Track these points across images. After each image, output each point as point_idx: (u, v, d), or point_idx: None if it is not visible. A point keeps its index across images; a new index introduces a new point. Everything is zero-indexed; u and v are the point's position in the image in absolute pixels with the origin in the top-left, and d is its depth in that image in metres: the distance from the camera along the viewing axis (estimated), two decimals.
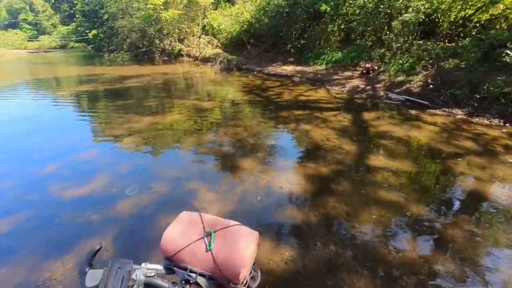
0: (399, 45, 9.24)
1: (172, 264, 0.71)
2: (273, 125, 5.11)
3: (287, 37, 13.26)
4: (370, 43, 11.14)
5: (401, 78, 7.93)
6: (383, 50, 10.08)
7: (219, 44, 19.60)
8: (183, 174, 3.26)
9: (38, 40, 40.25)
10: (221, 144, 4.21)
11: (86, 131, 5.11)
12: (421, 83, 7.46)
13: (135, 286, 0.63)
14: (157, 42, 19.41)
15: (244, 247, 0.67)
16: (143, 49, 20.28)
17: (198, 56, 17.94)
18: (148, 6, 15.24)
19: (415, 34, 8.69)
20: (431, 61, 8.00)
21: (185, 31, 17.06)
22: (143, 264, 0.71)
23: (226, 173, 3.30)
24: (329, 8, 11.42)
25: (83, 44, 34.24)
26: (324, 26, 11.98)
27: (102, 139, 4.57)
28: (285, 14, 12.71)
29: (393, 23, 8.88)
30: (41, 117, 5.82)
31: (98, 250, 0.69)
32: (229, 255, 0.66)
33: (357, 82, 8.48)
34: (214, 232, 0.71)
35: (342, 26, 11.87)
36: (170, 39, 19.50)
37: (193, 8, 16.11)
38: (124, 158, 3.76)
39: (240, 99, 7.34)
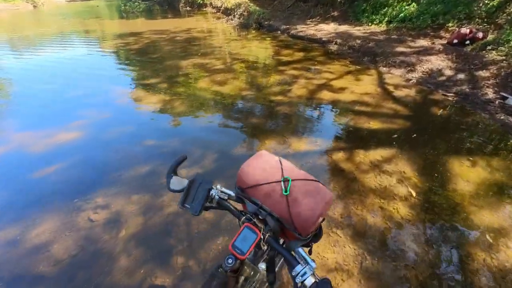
0: None
1: (244, 195, 0.72)
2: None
3: None
4: None
5: None
6: (497, 0, 5.72)
7: None
8: None
9: None
10: None
11: None
12: None
13: (209, 202, 0.71)
14: None
15: (319, 205, 0.65)
16: None
17: (220, 7, 14.56)
18: None
19: None
20: None
21: None
22: (218, 186, 0.74)
23: None
24: None
25: None
26: None
27: None
28: None
29: None
30: None
31: (183, 159, 0.78)
32: (304, 207, 0.64)
33: (439, 62, 4.79)
34: (292, 180, 0.68)
35: None
36: None
37: None
38: None
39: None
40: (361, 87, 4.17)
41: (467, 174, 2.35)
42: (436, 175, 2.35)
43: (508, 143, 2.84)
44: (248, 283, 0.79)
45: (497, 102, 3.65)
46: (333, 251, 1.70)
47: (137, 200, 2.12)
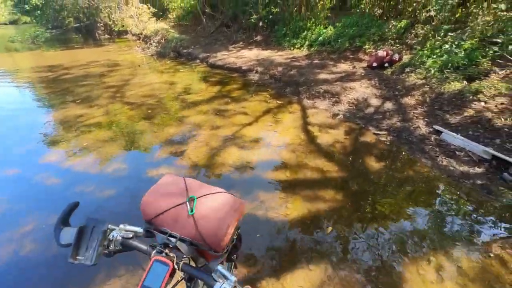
0: (438, 11, 4.91)
1: (152, 227, 0.66)
2: None
3: (253, 3, 8.57)
4: (380, 11, 6.74)
5: (456, 85, 3.79)
6: (404, 22, 5.76)
7: (173, 16, 14.96)
8: None
9: None
10: None
11: None
12: (504, 100, 3.40)
13: (111, 246, 0.63)
14: (93, 14, 14.92)
15: (228, 215, 0.63)
16: (79, 24, 16.49)
17: (140, 34, 13.17)
18: None
19: None
20: (511, 45, 3.88)
21: None
22: (121, 226, 0.67)
23: None
24: None
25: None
26: None
27: None
28: None
29: None
30: None
31: (75, 207, 0.68)
32: (212, 222, 0.62)
33: (364, 90, 4.26)
34: (198, 197, 0.66)
35: None
36: (107, 11, 14.55)
37: None
38: None
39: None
40: (281, 134, 3.21)
41: None
42: None
43: (465, 210, 2.09)
44: None
45: (432, 138, 3.07)
46: None
47: None
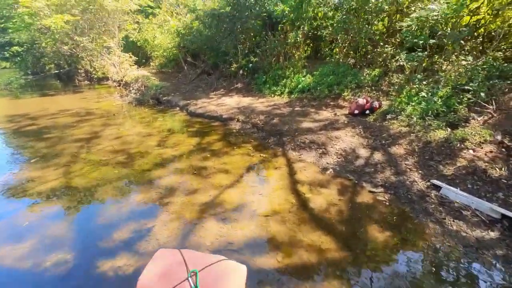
0: (407, 61, 5.20)
1: None
2: None
3: (233, 54, 8.89)
4: (353, 60, 7.17)
5: (441, 133, 3.74)
6: (377, 71, 6.05)
7: (155, 64, 15.38)
8: None
9: None
10: None
11: None
12: (491, 148, 3.33)
13: None
14: (75, 61, 15.05)
15: (233, 282, 0.62)
16: (59, 71, 16.26)
17: (121, 80, 13.12)
18: (20, 11, 10.02)
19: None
20: (483, 92, 4.02)
21: (95, 46, 11.97)
22: None
23: None
24: (287, 9, 7.31)
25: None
26: (283, 35, 7.82)
27: None
28: (227, 20, 8.38)
29: (404, 22, 4.79)
30: None
31: None
32: None
33: (350, 139, 4.11)
34: (199, 271, 0.65)
35: (310, 34, 7.82)
36: (89, 58, 14.66)
37: (98, 14, 11.23)
38: None
39: None
40: (267, 197, 2.80)
41: None
42: None
43: None
44: None
45: (432, 194, 2.81)
46: None
47: None
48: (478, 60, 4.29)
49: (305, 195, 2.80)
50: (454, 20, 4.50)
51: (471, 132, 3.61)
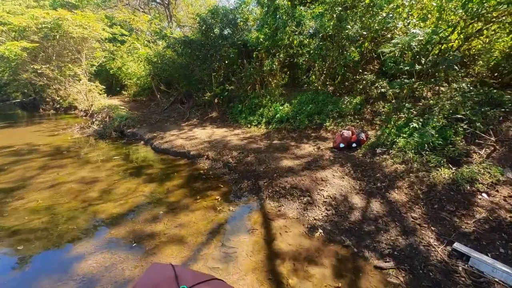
0: (389, 89, 4.79)
1: None
2: None
3: (207, 82, 8.29)
4: (332, 87, 6.80)
5: (444, 172, 3.14)
6: (358, 98, 5.62)
7: (129, 93, 14.61)
8: None
9: None
10: None
11: None
12: (509, 191, 2.74)
13: None
14: (40, 89, 14.05)
15: None
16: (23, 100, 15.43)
17: (87, 110, 12.10)
18: None
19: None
20: (479, 122, 3.57)
21: (56, 75, 10.94)
22: None
23: None
24: (262, 36, 6.96)
25: None
26: (258, 63, 7.40)
27: None
28: (200, 48, 7.87)
29: (385, 48, 4.40)
30: None
31: None
32: None
33: (339, 181, 3.39)
34: (189, 287, 0.63)
35: (286, 62, 7.45)
36: (54, 86, 13.57)
37: (62, 41, 10.42)
38: None
39: None
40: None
41: None
42: None
43: None
44: None
45: (460, 268, 2.06)
46: None
47: None
48: (469, 87, 3.90)
49: (288, 281, 1.93)
50: (444, 45, 4.17)
51: (479, 170, 3.04)
